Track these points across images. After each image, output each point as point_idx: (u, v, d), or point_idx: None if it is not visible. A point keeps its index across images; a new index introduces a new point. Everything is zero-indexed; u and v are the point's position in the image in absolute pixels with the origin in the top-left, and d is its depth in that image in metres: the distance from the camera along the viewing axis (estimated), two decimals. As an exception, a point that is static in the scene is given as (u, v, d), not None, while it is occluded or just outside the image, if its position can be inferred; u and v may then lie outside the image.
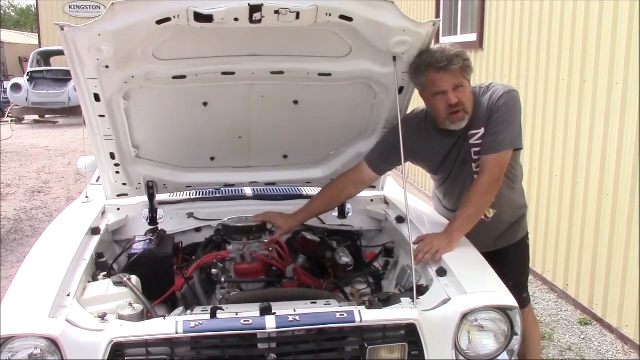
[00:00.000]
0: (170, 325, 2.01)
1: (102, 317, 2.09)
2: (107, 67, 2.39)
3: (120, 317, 2.15)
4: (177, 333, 1.99)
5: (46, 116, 16.67)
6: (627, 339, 4.05)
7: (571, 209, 4.68)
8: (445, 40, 7.68)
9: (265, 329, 2.01)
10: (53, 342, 1.94)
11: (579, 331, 4.31)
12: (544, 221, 5.06)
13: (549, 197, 5.00)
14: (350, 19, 2.29)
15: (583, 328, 4.35)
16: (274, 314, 2.06)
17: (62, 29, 2.21)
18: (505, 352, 2.24)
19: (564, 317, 4.53)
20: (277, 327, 2.01)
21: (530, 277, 4.88)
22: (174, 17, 2.16)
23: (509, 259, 2.94)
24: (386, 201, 3.34)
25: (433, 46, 2.58)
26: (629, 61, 3.97)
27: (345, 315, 2.07)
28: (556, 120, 4.87)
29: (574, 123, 4.60)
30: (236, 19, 2.18)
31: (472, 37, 6.79)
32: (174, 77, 2.54)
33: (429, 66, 2.54)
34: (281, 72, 2.61)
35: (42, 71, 16.62)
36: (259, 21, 2.19)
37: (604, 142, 4.24)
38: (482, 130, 2.65)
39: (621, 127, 4.05)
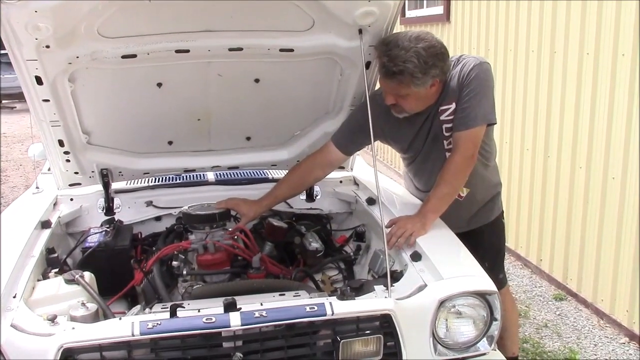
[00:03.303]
0: (126, 326, 1.85)
1: (52, 319, 1.92)
2: (47, 46, 2.18)
3: (72, 319, 1.99)
4: (133, 335, 1.83)
5: (3, 102, 16.15)
6: (602, 313, 4.02)
7: (543, 183, 4.61)
8: (412, 15, 7.53)
9: (229, 326, 1.86)
10: (-3, 351, 1.77)
11: (554, 307, 4.27)
12: (516, 196, 5.00)
13: (521, 172, 4.93)
14: None
15: (558, 304, 4.31)
16: (239, 309, 1.92)
17: None
18: (484, 339, 2.15)
19: (538, 293, 4.49)
20: (242, 325, 1.87)
21: (504, 254, 4.84)
22: None
23: (484, 239, 2.84)
24: (356, 182, 3.21)
25: (399, 33, 2.41)
26: (599, 31, 3.89)
27: (316, 308, 1.94)
28: (526, 93, 4.78)
29: (544, 95, 4.52)
30: None
31: (439, 9, 6.67)
32: (123, 57, 2.35)
33: (380, 64, 2.41)
34: (239, 49, 2.44)
35: (-5, 55, 16.03)
36: (214, -8, 2.03)
37: (576, 115, 4.16)
38: (453, 106, 2.52)
39: (593, 98, 3.97)
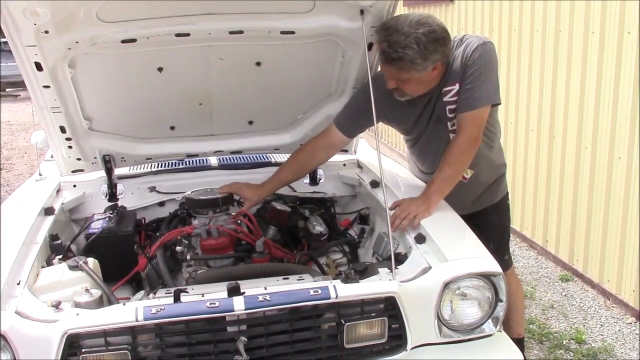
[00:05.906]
0: (129, 312, 1.85)
1: (56, 305, 1.92)
2: (46, 32, 2.16)
3: (77, 305, 1.98)
4: (137, 320, 1.83)
5: (7, 90, 16.14)
6: (608, 293, 4.01)
7: (549, 163, 4.58)
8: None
9: (233, 311, 1.86)
10: (3, 337, 1.77)
11: (560, 288, 4.27)
12: (521, 177, 4.97)
13: (526, 153, 4.90)
14: None
15: (564, 284, 4.30)
16: (243, 293, 1.91)
17: None
18: (489, 320, 2.14)
19: (544, 275, 4.48)
20: (246, 309, 1.86)
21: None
22: None
23: (489, 220, 2.82)
24: (359, 165, 3.19)
25: (400, 16, 2.36)
26: (605, 9, 3.84)
27: (320, 291, 1.93)
28: (531, 73, 4.74)
29: (549, 75, 4.48)
30: None
31: (442, -10, 6.60)
32: (123, 41, 2.33)
33: (380, 49, 2.38)
34: (240, 32, 2.41)
35: (-2, 43, 15.98)
36: (213, -26, 2.00)
37: (581, 94, 4.12)
38: (456, 87, 2.49)
39: (599, 77, 3.93)
